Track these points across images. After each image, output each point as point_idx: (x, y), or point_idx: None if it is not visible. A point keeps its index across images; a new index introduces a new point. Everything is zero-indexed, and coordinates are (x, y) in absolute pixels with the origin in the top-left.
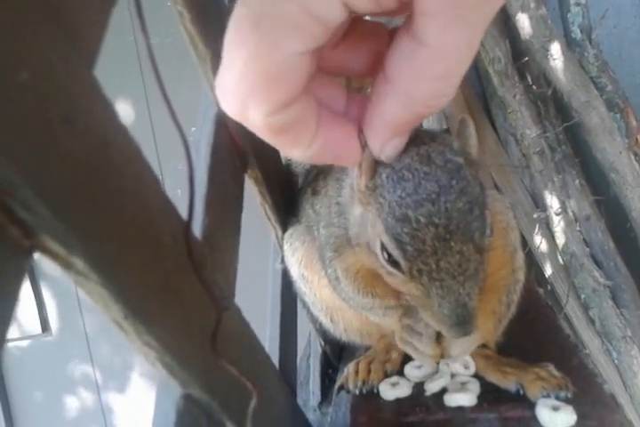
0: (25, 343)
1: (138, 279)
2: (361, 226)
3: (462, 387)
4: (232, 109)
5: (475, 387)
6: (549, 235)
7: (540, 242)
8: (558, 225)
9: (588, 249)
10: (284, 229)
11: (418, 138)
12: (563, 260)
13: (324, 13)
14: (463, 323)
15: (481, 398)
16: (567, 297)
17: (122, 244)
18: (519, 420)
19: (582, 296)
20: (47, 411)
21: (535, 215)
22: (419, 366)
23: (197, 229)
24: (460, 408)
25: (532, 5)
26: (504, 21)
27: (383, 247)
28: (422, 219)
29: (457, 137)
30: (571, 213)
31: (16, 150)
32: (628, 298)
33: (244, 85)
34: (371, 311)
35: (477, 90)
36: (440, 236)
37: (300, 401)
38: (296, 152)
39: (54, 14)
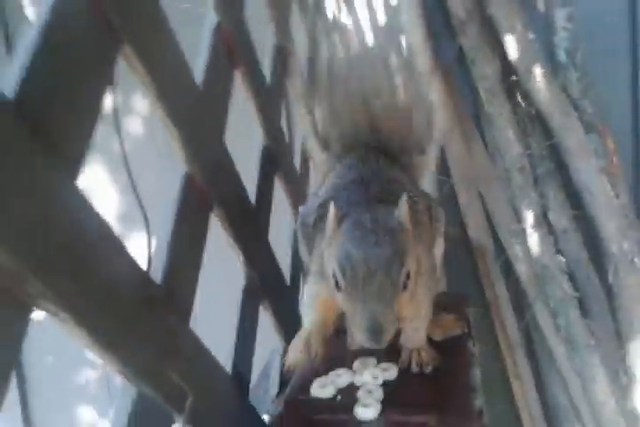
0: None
1: (103, 321)
2: (327, 259)
3: (369, 395)
4: None
5: (378, 395)
6: (526, 246)
7: (516, 252)
8: (532, 238)
9: (563, 260)
10: (247, 254)
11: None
12: (535, 270)
13: None
14: (374, 332)
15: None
16: (534, 304)
17: (94, 301)
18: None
19: (551, 304)
20: (59, 377)
21: (512, 227)
22: (323, 386)
23: (158, 274)
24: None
25: (520, 28)
26: (497, 40)
27: (334, 273)
28: (359, 259)
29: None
30: (547, 227)
31: (30, 255)
32: (597, 309)
33: None
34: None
35: (470, 100)
36: (369, 271)
37: (260, 392)
38: None
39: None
